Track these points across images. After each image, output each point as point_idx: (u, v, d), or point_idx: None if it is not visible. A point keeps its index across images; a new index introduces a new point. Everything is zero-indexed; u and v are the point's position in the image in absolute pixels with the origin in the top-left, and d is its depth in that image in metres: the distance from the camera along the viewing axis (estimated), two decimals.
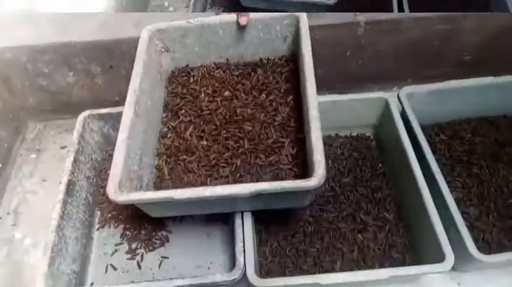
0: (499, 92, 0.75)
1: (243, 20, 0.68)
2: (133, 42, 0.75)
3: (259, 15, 0.69)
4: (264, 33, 0.71)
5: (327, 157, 0.76)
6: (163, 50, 0.74)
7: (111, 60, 0.81)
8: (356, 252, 0.64)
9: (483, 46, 0.82)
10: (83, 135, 0.73)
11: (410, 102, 0.72)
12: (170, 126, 0.70)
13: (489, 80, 0.73)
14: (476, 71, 0.78)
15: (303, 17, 0.67)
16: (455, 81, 0.73)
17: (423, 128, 0.77)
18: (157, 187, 0.63)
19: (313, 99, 0.58)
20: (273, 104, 0.68)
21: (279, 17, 0.69)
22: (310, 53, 0.62)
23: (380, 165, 0.74)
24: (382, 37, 0.78)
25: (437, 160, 0.72)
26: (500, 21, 0.78)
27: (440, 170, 0.70)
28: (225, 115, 0.68)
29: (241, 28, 0.70)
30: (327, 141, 0.78)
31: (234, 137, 0.65)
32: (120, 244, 0.69)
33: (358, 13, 0.76)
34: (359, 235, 0.66)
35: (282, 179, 0.59)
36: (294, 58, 0.73)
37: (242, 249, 0.58)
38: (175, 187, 0.62)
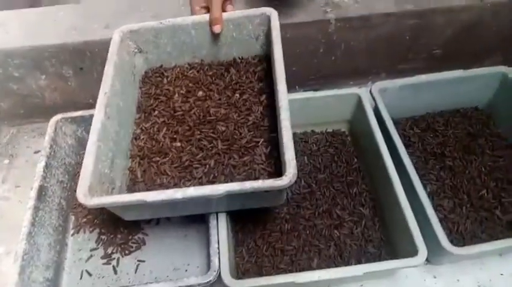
0: (469, 85, 0.76)
1: (216, 29, 0.67)
2: (105, 44, 0.74)
3: (230, 15, 0.69)
4: (237, 33, 0.71)
5: (303, 153, 0.76)
6: (136, 51, 0.73)
7: (83, 62, 0.80)
8: (333, 248, 0.64)
9: (452, 40, 0.83)
10: (55, 140, 0.72)
11: (384, 97, 0.72)
12: (143, 128, 0.69)
13: (459, 73, 0.74)
14: (447, 64, 0.79)
15: (274, 15, 0.67)
16: (426, 75, 0.74)
17: (398, 121, 0.78)
18: (131, 189, 0.63)
19: (284, 100, 0.57)
20: (247, 103, 0.68)
21: (250, 15, 0.69)
22: (281, 53, 0.62)
23: (355, 160, 0.75)
24: (353, 33, 0.79)
25: (412, 153, 0.73)
26: (467, 16, 0.79)
27: (415, 163, 0.71)
28: (199, 115, 0.68)
29: (215, 36, 0.70)
30: (303, 138, 0.78)
31: (208, 137, 0.65)
32: (96, 249, 0.68)
33: (328, 10, 0.76)
34: (335, 231, 0.66)
35: (256, 179, 0.59)
36: (267, 57, 0.73)
37: (217, 251, 0.57)
38: (149, 189, 0.61)
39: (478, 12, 0.79)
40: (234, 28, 0.70)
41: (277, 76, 0.59)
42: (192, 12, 0.71)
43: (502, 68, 0.75)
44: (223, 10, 0.69)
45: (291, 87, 0.80)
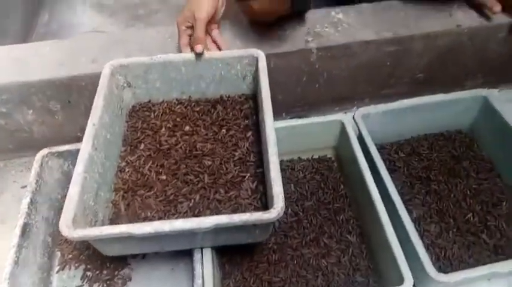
0: (451, 108, 0.77)
1: (198, 48, 0.69)
2: (92, 78, 0.75)
3: (219, 54, 0.72)
4: (225, 71, 0.73)
5: (290, 181, 0.76)
6: (125, 85, 0.74)
7: (70, 96, 0.80)
8: (320, 278, 0.64)
9: (432, 65, 0.85)
10: (40, 175, 0.72)
11: (367, 122, 0.73)
12: (128, 161, 0.69)
13: (440, 97, 0.75)
14: (429, 88, 0.80)
15: (262, 56, 0.70)
16: (408, 100, 0.75)
17: (383, 147, 0.79)
18: (113, 222, 0.62)
19: (272, 135, 0.59)
20: (233, 139, 0.69)
21: (239, 56, 0.71)
22: (268, 91, 0.64)
23: (342, 186, 0.75)
24: (335, 61, 0.80)
25: (397, 178, 0.74)
26: (444, 41, 0.81)
27: (400, 188, 0.72)
28: (185, 150, 0.69)
29: (197, 56, 0.71)
30: (290, 165, 0.79)
31: (194, 171, 0.65)
32: (81, 286, 0.67)
33: (309, 39, 0.78)
34: (323, 260, 0.65)
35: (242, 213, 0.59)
36: (253, 96, 0.75)
37: (200, 286, 0.56)
38: (132, 222, 0.61)
39: (455, 37, 0.81)
40: (222, 67, 0.72)
41: (265, 112, 0.62)
42: (179, 33, 0.72)
43: (483, 91, 0.77)
44: (208, 32, 0.71)
45: (277, 114, 0.82)
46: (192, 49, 0.70)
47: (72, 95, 0.80)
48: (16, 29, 1.12)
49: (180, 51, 0.74)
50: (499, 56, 0.87)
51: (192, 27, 0.71)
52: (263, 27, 0.79)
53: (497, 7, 0.78)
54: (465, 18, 0.81)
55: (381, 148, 0.76)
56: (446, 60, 0.84)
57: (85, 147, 0.59)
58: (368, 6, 0.85)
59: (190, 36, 0.73)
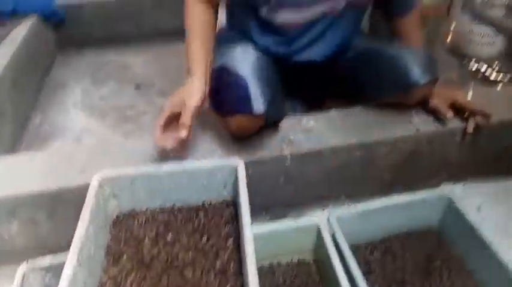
0: (418, 208, 0.82)
1: (182, 133, 0.74)
2: (78, 190, 0.78)
3: (202, 165, 0.77)
4: (207, 181, 0.78)
5: None
6: (111, 196, 0.77)
7: (55, 208, 0.83)
8: None
9: (398, 166, 0.93)
10: None
11: (341, 224, 0.76)
12: (110, 275, 0.69)
13: (407, 197, 0.80)
14: (398, 186, 0.86)
15: (241, 165, 0.76)
16: (377, 201, 0.80)
17: (358, 247, 0.81)
18: None
19: (250, 246, 0.62)
20: (214, 248, 0.71)
21: (219, 166, 0.77)
22: (247, 202, 0.69)
23: None
24: (309, 166, 0.87)
25: (374, 281, 0.76)
26: (406, 145, 0.90)
27: None
28: (167, 260, 0.70)
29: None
30: (269, 271, 0.80)
31: (174, 285, 0.66)
32: None
33: (284, 147, 0.85)
34: None
35: None
36: (233, 202, 0.79)
37: None
38: None
39: (415, 141, 0.90)
40: (204, 177, 0.77)
41: (243, 222, 0.65)
42: (161, 114, 0.76)
43: (446, 190, 0.83)
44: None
45: (257, 214, 0.86)
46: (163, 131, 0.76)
47: (58, 206, 0.82)
48: (6, 133, 1.17)
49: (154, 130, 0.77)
50: (458, 156, 0.95)
51: (175, 114, 0.76)
52: (242, 137, 0.86)
53: (450, 113, 0.87)
54: (423, 124, 0.91)
55: (356, 249, 0.79)
56: (410, 162, 0.92)
57: (70, 262, 0.60)
58: (336, 114, 0.94)
59: (169, 119, 0.77)
